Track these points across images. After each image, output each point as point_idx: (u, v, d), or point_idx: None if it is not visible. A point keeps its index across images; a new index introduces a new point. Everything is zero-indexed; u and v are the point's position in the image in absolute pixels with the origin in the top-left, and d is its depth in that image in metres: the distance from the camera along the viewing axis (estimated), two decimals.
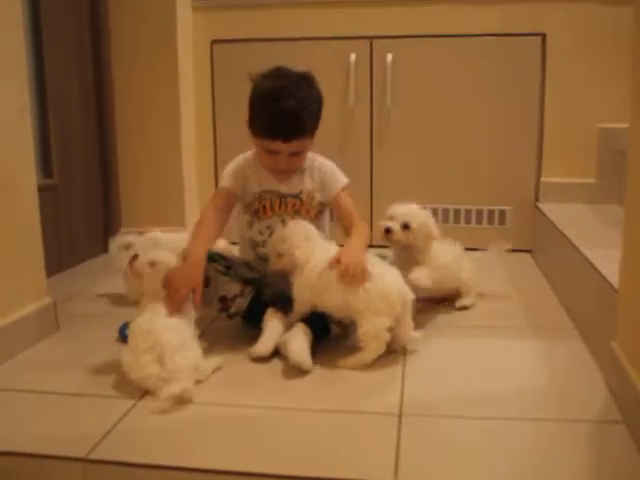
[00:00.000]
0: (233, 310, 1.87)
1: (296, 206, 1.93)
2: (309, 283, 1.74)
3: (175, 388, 1.46)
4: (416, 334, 1.75)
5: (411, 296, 1.72)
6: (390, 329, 1.67)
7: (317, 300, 1.74)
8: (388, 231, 1.96)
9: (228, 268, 1.90)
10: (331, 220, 2.05)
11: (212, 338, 1.71)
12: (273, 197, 1.92)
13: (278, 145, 1.82)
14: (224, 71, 2.94)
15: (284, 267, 1.80)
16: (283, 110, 1.77)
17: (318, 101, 1.87)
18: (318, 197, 1.95)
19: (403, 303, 1.69)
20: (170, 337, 1.56)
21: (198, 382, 1.58)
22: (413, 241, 1.96)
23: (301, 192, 1.93)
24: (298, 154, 1.87)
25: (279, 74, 1.85)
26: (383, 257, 1.94)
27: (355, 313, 1.70)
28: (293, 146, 1.82)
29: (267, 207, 1.93)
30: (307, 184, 1.94)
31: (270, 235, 1.91)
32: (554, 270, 2.40)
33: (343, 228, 1.96)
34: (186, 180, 2.94)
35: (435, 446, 1.32)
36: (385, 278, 1.71)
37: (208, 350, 1.73)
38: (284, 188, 1.92)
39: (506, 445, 1.32)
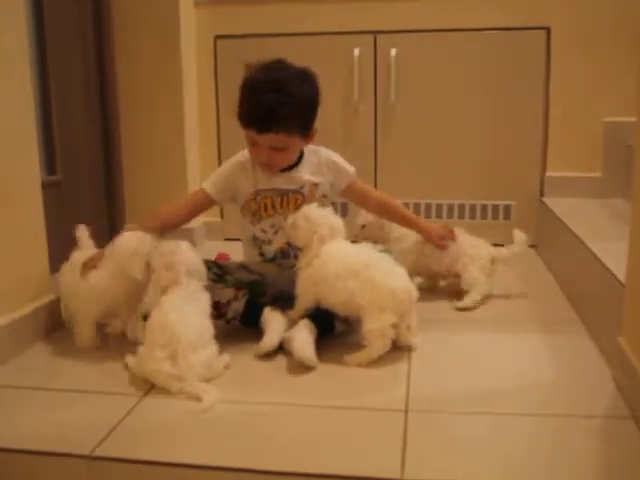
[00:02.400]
0: (230, 315, 1.84)
1: (299, 201, 1.90)
2: (315, 279, 1.73)
3: (206, 403, 1.46)
4: (416, 340, 1.74)
5: (416, 294, 1.72)
6: (394, 326, 1.67)
7: (322, 297, 1.74)
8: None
9: (220, 275, 1.87)
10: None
11: None
12: (274, 195, 1.90)
13: (253, 135, 1.81)
14: (227, 67, 2.93)
15: (292, 240, 1.81)
16: (261, 101, 1.75)
17: (309, 101, 1.83)
18: (322, 190, 1.94)
19: (409, 301, 1.69)
20: (186, 332, 1.56)
21: (210, 380, 1.57)
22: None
23: (302, 187, 1.91)
24: (281, 150, 1.82)
25: (274, 67, 1.83)
26: (388, 252, 1.93)
27: (360, 310, 1.69)
28: (268, 139, 1.79)
29: (268, 206, 1.91)
30: (308, 177, 1.91)
31: (275, 233, 1.91)
32: (560, 265, 2.39)
33: (373, 206, 2.12)
34: (190, 176, 2.93)
35: (442, 442, 1.32)
36: (393, 275, 1.70)
37: None
38: (284, 184, 1.90)
39: (513, 441, 1.32)
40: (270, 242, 1.93)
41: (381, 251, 1.84)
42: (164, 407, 1.47)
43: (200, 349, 1.57)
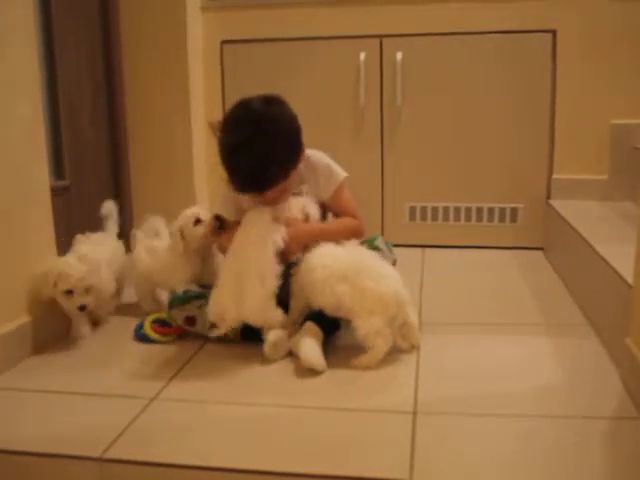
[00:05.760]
0: (231, 335, 1.80)
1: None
2: (302, 283, 1.75)
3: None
4: (407, 345, 1.74)
5: (405, 297, 1.71)
6: (388, 326, 1.67)
7: (310, 299, 1.75)
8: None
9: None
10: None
11: (218, 350, 1.73)
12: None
13: (254, 195, 1.82)
14: (234, 71, 2.95)
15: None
16: (248, 167, 1.73)
17: (290, 136, 1.79)
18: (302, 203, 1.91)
19: (397, 305, 1.68)
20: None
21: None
22: None
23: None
24: (283, 191, 1.83)
25: (242, 119, 1.77)
26: (376, 248, 1.90)
27: (350, 313, 1.70)
28: (270, 192, 1.79)
29: None
30: (296, 189, 1.91)
31: None
32: (567, 267, 2.39)
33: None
34: (197, 181, 2.94)
35: (450, 443, 1.32)
36: (381, 280, 1.69)
37: (217, 356, 1.75)
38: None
39: (520, 442, 1.32)
40: None
41: (371, 244, 1.85)
42: (173, 409, 1.48)
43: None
